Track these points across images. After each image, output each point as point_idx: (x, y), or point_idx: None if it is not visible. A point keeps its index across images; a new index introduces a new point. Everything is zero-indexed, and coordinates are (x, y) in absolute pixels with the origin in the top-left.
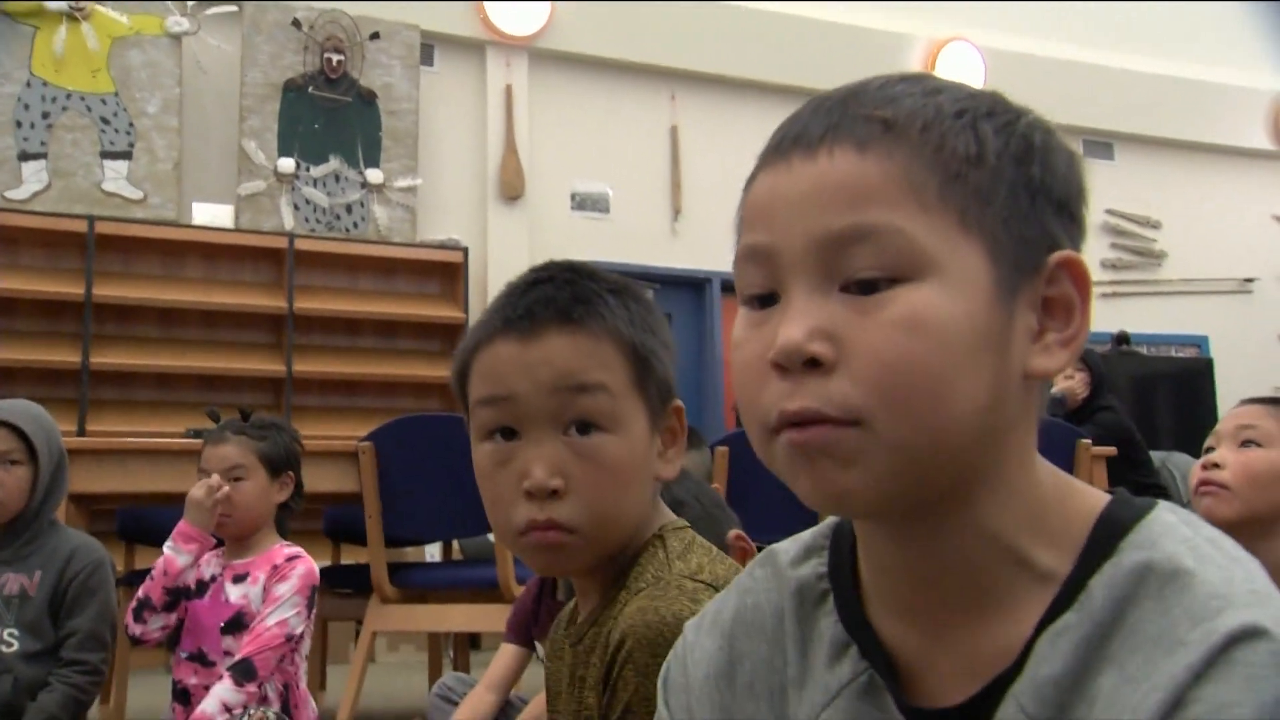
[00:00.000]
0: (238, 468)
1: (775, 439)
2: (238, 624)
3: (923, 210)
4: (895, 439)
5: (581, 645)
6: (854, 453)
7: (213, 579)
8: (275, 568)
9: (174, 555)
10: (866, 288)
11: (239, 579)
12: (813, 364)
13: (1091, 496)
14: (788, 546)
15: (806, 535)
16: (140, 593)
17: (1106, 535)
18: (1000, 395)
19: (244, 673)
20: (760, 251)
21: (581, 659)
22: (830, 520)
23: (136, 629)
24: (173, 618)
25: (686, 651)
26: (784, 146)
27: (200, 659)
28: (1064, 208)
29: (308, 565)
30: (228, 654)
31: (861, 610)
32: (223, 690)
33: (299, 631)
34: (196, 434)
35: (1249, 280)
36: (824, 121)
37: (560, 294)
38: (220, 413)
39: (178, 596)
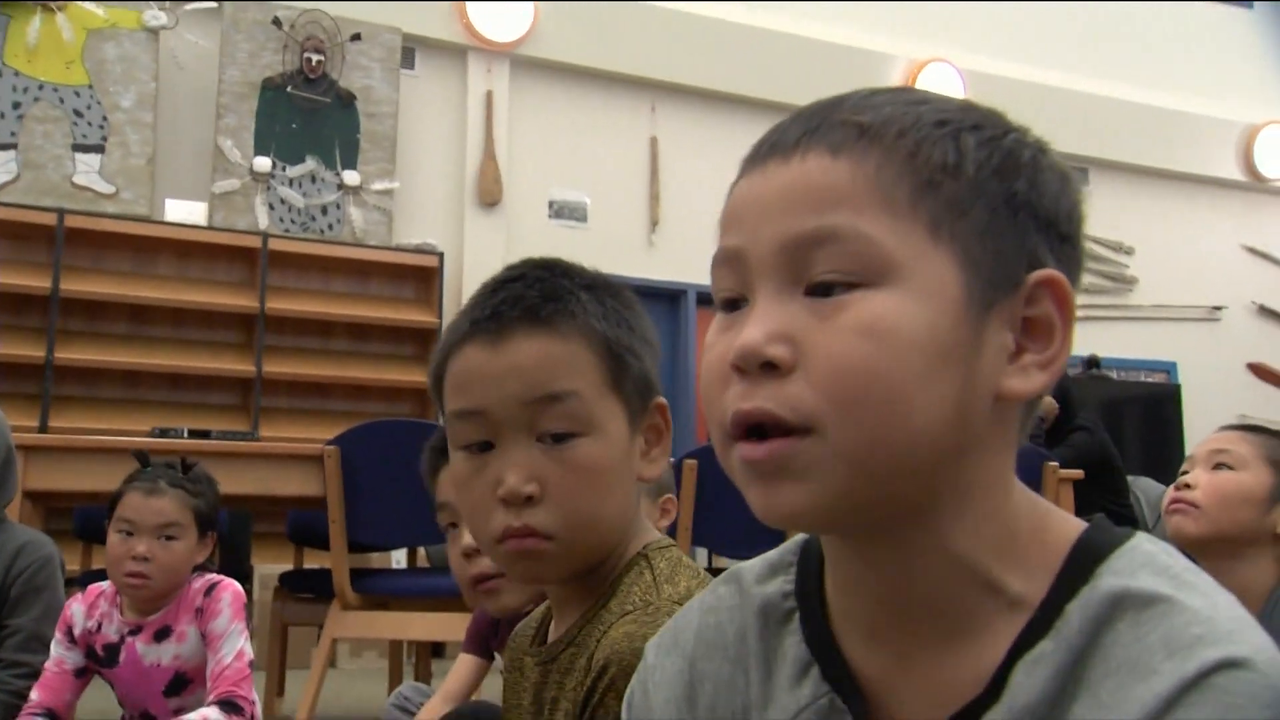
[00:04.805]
0: (173, 525)
1: (733, 447)
2: (181, 684)
3: (891, 216)
4: (847, 449)
5: (555, 665)
6: (806, 467)
7: (121, 639)
8: (198, 610)
9: None
10: (828, 290)
11: (161, 635)
12: (771, 367)
13: (1069, 523)
14: (753, 564)
15: (774, 553)
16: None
17: (1083, 561)
18: (965, 413)
19: (232, 708)
20: (731, 255)
21: (554, 680)
22: (799, 538)
23: None
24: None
25: (648, 674)
26: (762, 153)
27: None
28: (1052, 226)
29: (233, 589)
30: (180, 711)
31: (828, 631)
32: (211, 713)
33: (252, 655)
34: (162, 433)
35: (1218, 308)
36: (802, 127)
37: (529, 292)
38: (149, 455)
39: (89, 658)
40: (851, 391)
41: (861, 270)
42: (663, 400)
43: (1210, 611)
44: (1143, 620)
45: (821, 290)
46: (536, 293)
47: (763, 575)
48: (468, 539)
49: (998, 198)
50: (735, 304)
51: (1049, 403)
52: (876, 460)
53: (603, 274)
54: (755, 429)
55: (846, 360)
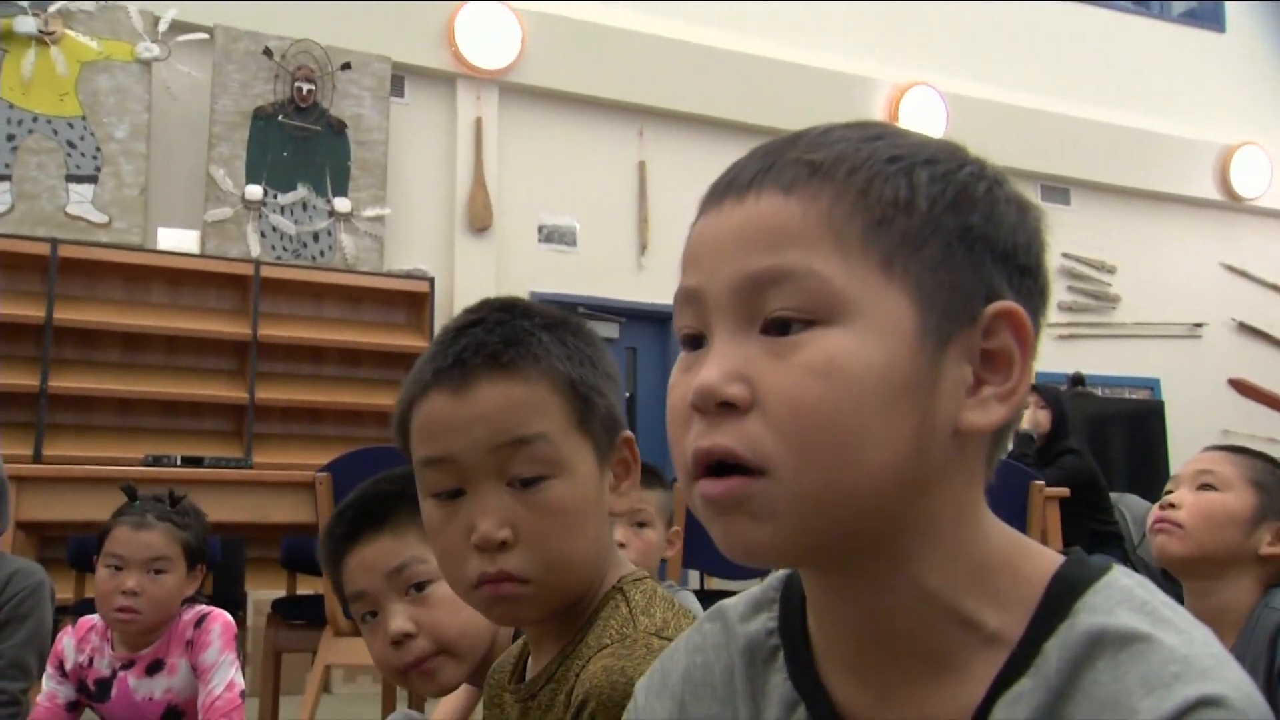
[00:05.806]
0: (162, 559)
1: (695, 485)
2: (174, 717)
3: (842, 253)
4: (803, 489)
5: (534, 702)
6: (764, 506)
7: (113, 674)
8: (188, 643)
9: None
10: (784, 328)
11: (153, 669)
12: (729, 406)
13: (1046, 557)
14: (737, 602)
15: (757, 589)
16: None
17: (1060, 597)
18: (924, 448)
19: None
20: (690, 294)
21: (534, 716)
22: (781, 573)
23: None
24: None
25: (638, 716)
26: (719, 192)
27: None
28: (1010, 258)
29: (222, 620)
30: None
31: (813, 667)
32: None
33: (243, 685)
34: (155, 460)
35: (1199, 325)
36: (756, 166)
37: (491, 337)
38: (136, 488)
39: (81, 693)
40: (807, 432)
41: (815, 308)
42: (629, 434)
43: (1187, 649)
44: (1121, 659)
45: (777, 328)
46: (498, 337)
47: (747, 613)
48: (397, 624)
49: (952, 232)
50: (697, 342)
51: (1041, 420)
52: (831, 498)
53: (560, 311)
54: (715, 466)
55: (801, 400)
